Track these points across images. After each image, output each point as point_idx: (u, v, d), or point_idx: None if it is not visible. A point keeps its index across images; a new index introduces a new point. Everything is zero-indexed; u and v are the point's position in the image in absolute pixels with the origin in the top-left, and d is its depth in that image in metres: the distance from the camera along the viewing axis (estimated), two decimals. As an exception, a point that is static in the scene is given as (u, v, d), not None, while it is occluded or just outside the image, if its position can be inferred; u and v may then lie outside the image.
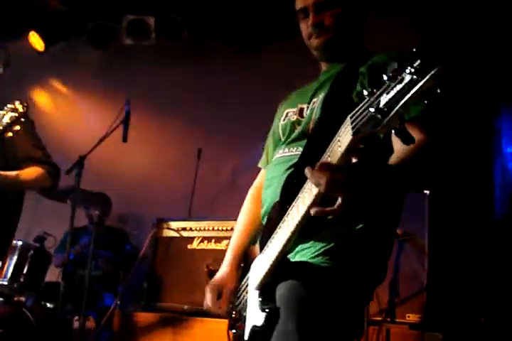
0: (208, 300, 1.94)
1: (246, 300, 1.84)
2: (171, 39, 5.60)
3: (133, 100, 4.39)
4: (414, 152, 1.51)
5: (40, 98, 6.09)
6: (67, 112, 6.03)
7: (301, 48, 2.01)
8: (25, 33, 5.79)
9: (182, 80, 5.66)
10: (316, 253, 1.69)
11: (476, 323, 4.10)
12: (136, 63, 5.90)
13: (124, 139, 4.08)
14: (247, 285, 1.86)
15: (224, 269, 2.00)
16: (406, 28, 4.84)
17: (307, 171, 1.43)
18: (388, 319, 3.68)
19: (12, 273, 4.15)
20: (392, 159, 1.53)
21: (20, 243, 4.21)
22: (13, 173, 2.82)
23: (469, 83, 4.65)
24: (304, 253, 1.70)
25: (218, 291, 1.94)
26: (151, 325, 4.00)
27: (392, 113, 1.15)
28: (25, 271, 4.18)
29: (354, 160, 1.34)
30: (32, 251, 4.22)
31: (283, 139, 1.93)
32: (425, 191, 3.92)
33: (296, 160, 1.76)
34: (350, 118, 1.28)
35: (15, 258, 4.18)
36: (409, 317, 3.72)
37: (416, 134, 1.46)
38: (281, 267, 1.68)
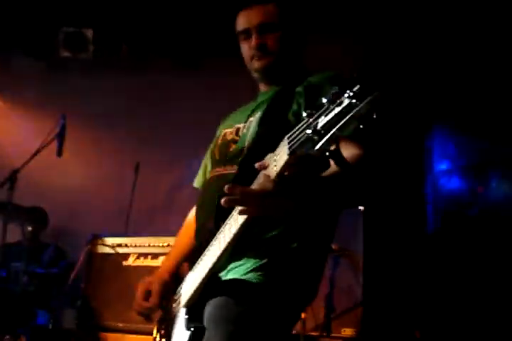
0: (136, 298, 1.90)
1: (175, 317, 1.83)
2: (109, 52, 5.55)
3: (69, 112, 4.32)
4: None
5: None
6: (1, 126, 5.87)
7: (242, 65, 2.02)
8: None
9: (119, 93, 5.61)
10: (248, 270, 1.68)
11: (410, 336, 4.20)
12: (73, 76, 5.81)
13: (59, 153, 4.01)
14: (177, 303, 1.85)
15: (157, 271, 1.99)
16: (347, 46, 4.98)
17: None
18: (324, 334, 3.73)
19: None
20: (326, 172, 1.53)
21: None
22: None
23: (402, 101, 4.81)
24: (236, 271, 1.70)
25: (147, 289, 1.91)
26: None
27: (329, 135, 1.17)
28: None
29: (286, 174, 1.37)
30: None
31: (219, 158, 1.93)
32: (359, 207, 4.01)
33: (231, 177, 1.76)
34: (288, 138, 1.29)
35: None
36: (345, 331, 3.78)
37: (350, 149, 1.50)
38: (210, 285, 1.68)
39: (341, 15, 5.01)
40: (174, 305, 1.87)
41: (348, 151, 1.39)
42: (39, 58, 5.72)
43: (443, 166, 5.05)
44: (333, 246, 3.58)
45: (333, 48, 4.77)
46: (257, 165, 1.42)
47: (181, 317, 1.75)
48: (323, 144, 1.18)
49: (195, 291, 1.70)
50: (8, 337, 4.05)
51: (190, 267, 1.78)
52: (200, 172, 2.11)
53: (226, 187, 1.43)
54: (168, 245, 3.95)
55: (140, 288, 1.93)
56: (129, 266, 4.05)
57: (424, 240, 4.74)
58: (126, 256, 4.10)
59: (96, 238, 4.15)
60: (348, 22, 5.07)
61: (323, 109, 1.18)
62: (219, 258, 1.61)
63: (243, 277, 1.67)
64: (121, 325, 3.83)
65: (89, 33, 5.46)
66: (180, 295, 1.83)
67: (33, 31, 5.58)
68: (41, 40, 5.61)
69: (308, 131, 1.20)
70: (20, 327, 4.11)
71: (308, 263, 1.76)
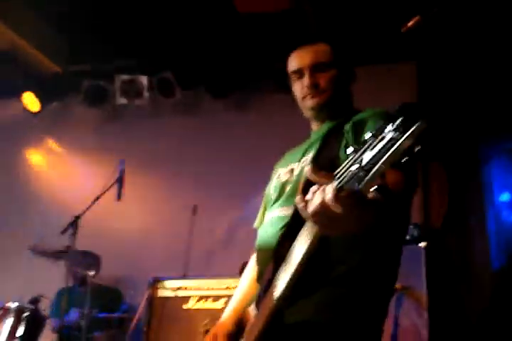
0: None
1: None
2: (164, 96, 5.69)
3: (127, 158, 4.43)
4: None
5: (35, 158, 6.11)
6: (61, 171, 6.03)
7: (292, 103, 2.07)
8: (20, 93, 5.88)
9: (176, 136, 5.72)
10: (313, 309, 1.67)
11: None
12: (129, 121, 5.98)
13: (119, 197, 4.10)
14: None
15: (221, 322, 1.99)
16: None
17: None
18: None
19: (6, 336, 4.07)
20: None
21: (15, 305, 4.15)
22: None
23: (458, 130, 4.75)
24: (300, 310, 1.68)
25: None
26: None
27: (374, 170, 1.16)
28: (19, 334, 4.09)
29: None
30: (27, 313, 4.14)
31: (275, 199, 1.95)
32: (420, 244, 3.93)
33: (287, 220, 1.77)
34: (335, 175, 1.29)
35: (10, 320, 4.10)
36: (411, 372, 3.66)
37: (393, 176, 1.48)
38: (274, 329, 1.66)
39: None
40: None
41: (389, 177, 1.37)
42: (97, 105, 5.91)
43: (504, 197, 4.91)
44: (397, 285, 3.50)
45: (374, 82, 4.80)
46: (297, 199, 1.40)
47: None
48: (369, 179, 1.17)
49: (259, 336, 1.69)
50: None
51: (254, 312, 1.77)
52: (260, 213, 2.12)
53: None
54: (228, 288, 3.95)
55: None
56: (189, 309, 4.05)
57: (489, 276, 4.58)
58: (186, 299, 4.10)
59: (156, 281, 4.17)
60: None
61: (367, 144, 1.18)
62: (281, 299, 1.60)
63: (308, 318, 1.66)
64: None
65: (144, 80, 5.63)
66: None
67: (90, 80, 5.79)
68: (98, 88, 5.80)
69: (355, 167, 1.19)
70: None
71: (376, 301, 1.75)
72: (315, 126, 2.05)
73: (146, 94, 5.67)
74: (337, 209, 1.24)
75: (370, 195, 1.18)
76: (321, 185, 1.29)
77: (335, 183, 1.26)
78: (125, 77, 5.64)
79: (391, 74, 5.23)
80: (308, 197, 1.32)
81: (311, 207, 1.30)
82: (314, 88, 1.94)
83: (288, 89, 2.09)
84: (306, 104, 1.98)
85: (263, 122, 5.44)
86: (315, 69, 1.96)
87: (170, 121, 5.87)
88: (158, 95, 5.72)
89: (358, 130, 1.73)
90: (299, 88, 1.99)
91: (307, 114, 2.02)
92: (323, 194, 1.27)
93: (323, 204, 1.27)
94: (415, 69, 5.21)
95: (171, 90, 5.66)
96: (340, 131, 1.81)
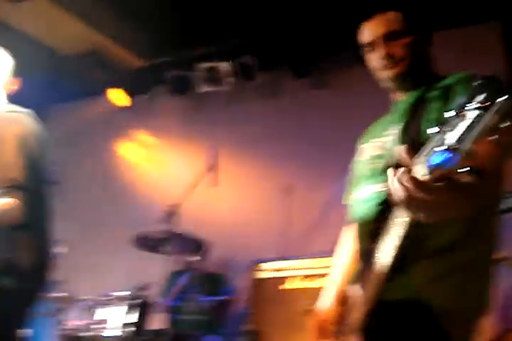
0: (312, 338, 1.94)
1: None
2: (246, 80, 5.72)
3: (217, 144, 4.50)
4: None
5: (128, 151, 6.30)
6: (155, 162, 6.19)
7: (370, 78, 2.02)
8: (107, 90, 6.08)
9: (262, 119, 5.76)
10: (418, 286, 1.66)
11: None
12: (214, 108, 6.06)
13: (214, 184, 4.17)
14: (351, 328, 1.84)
15: (324, 305, 1.99)
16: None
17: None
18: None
19: (121, 323, 4.26)
20: None
21: (124, 293, 4.33)
22: None
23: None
24: (404, 288, 1.66)
25: (321, 327, 1.94)
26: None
27: (462, 150, 1.11)
28: (131, 320, 4.27)
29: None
30: (136, 301, 4.32)
31: (365, 175, 1.93)
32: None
33: (382, 196, 1.74)
34: (421, 157, 1.24)
35: (120, 307, 4.29)
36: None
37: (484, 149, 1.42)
38: (381, 306, 1.65)
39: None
40: (348, 330, 1.87)
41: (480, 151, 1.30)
42: (182, 95, 6.02)
43: None
44: (504, 254, 3.39)
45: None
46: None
47: None
48: (457, 162, 1.11)
49: (365, 315, 1.69)
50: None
51: (358, 289, 1.76)
52: (349, 189, 2.10)
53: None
54: (326, 266, 3.95)
55: (314, 327, 1.96)
56: (289, 290, 4.09)
57: None
58: (286, 279, 4.15)
59: (256, 264, 4.23)
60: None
61: (453, 123, 1.13)
62: (386, 275, 1.59)
63: (415, 293, 1.65)
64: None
65: (225, 66, 5.68)
66: (353, 321, 1.83)
67: (173, 70, 5.90)
68: (181, 78, 5.91)
69: (441, 148, 1.14)
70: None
71: (481, 273, 1.71)
72: (397, 97, 1.99)
73: (228, 79, 5.72)
74: (428, 195, 1.20)
75: (461, 178, 1.13)
76: (408, 168, 1.25)
77: (422, 166, 1.21)
78: (206, 64, 5.72)
79: (474, 37, 5.01)
80: (395, 181, 1.27)
81: (400, 192, 1.26)
82: (390, 58, 1.88)
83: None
84: (384, 76, 1.92)
85: (347, 97, 5.37)
86: (388, 38, 1.90)
87: (254, 104, 5.90)
88: (240, 80, 5.75)
89: (445, 98, 1.68)
90: (374, 59, 1.94)
91: (387, 85, 1.97)
92: (408, 180, 1.22)
93: (412, 191, 1.22)
94: (501, 30, 4.98)
95: (252, 74, 5.68)
96: (425, 99, 1.76)
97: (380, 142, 1.91)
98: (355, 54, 2.13)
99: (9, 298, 2.20)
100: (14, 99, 2.50)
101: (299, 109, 5.68)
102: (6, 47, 2.57)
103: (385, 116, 2.03)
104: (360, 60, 2.05)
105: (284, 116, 5.71)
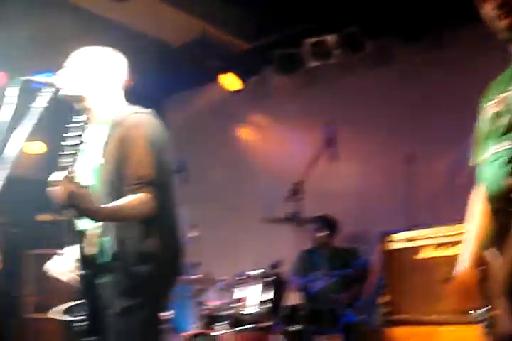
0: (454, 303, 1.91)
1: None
2: (354, 51, 5.61)
3: (333, 118, 4.46)
4: None
5: (247, 133, 6.41)
6: (274, 142, 6.26)
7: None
8: (219, 76, 6.19)
9: (376, 88, 5.65)
10: None
11: None
12: (325, 82, 6.00)
13: (333, 158, 4.16)
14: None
15: (463, 270, 1.95)
16: None
17: None
18: None
19: (258, 301, 4.37)
20: None
21: (259, 271, 4.45)
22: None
23: None
24: None
25: (463, 292, 1.91)
26: (398, 338, 3.98)
27: None
28: (267, 298, 4.37)
29: None
30: (270, 278, 4.41)
31: (489, 134, 1.86)
32: None
33: (506, 155, 1.69)
34: None
35: (256, 286, 4.40)
36: None
37: None
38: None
39: None
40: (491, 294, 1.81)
41: None
42: (290, 73, 6.01)
43: None
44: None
45: None
46: None
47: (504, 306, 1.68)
48: None
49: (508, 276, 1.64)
50: (324, 336, 4.29)
51: (495, 251, 1.71)
52: (474, 149, 2.02)
53: None
54: (459, 234, 3.84)
55: (455, 293, 1.93)
56: (422, 259, 4.03)
57: None
58: (417, 249, 4.09)
59: (385, 235, 4.19)
60: None
61: None
62: None
63: None
64: (430, 317, 3.82)
65: (331, 39, 5.60)
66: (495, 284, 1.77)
67: (280, 49, 5.91)
68: (289, 56, 5.90)
69: None
70: (333, 328, 4.32)
71: None
72: None
73: (335, 52, 5.63)
74: None
75: None
76: None
77: None
78: (312, 39, 5.66)
79: None
80: None
81: None
82: (505, 7, 1.79)
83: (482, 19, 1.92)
84: (499, 26, 1.82)
85: (465, 56, 5.12)
86: None
87: (367, 75, 5.78)
88: (348, 51, 5.64)
89: None
90: (488, 10, 1.84)
91: (503, 36, 1.86)
92: None
93: None
94: None
95: (359, 44, 5.55)
96: None
97: (499, 99, 1.84)
98: (468, 11, 2.03)
99: (149, 285, 2.33)
100: (132, 94, 2.62)
101: (413, 74, 5.49)
102: (118, 45, 2.68)
103: (505, 71, 1.93)
104: (474, 18, 1.96)
105: (397, 84, 5.56)
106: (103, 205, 2.19)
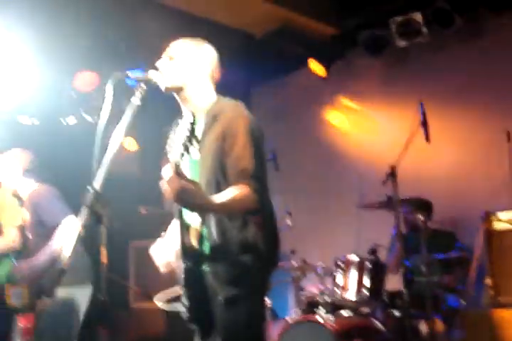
0: None
1: None
2: (443, 27, 5.40)
3: (424, 98, 4.33)
4: None
5: (336, 118, 6.33)
6: (364, 126, 6.16)
7: None
8: (306, 61, 6.15)
9: (467, 65, 5.45)
10: None
11: None
12: (414, 61, 5.84)
13: (427, 140, 4.06)
14: None
15: None
16: None
17: None
18: None
19: (355, 287, 4.35)
20: None
21: (355, 257, 4.42)
22: None
23: None
24: None
25: None
26: (503, 321, 3.85)
27: None
28: (366, 283, 4.34)
29: None
30: (368, 264, 4.37)
31: None
32: None
33: None
34: None
35: (354, 272, 4.37)
36: None
37: None
38: None
39: None
40: None
41: None
42: (378, 54, 5.88)
43: None
44: None
45: None
46: None
47: None
48: None
49: None
50: (425, 321, 4.22)
51: None
52: None
53: None
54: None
55: None
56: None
57: None
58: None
59: (488, 215, 4.04)
60: None
61: None
62: None
63: None
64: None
65: (419, 16, 5.43)
66: None
67: (366, 30, 5.80)
68: (375, 37, 5.77)
69: None
70: (435, 312, 4.24)
71: None
72: None
73: (424, 30, 5.45)
74: None
75: None
76: None
77: None
78: (398, 18, 5.50)
79: None
80: None
81: None
82: None
83: None
84: None
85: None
86: None
87: (456, 51, 5.58)
88: (436, 28, 5.44)
89: None
90: None
91: None
92: None
93: None
94: None
95: (449, 19, 5.34)
96: None
97: None
98: None
99: (253, 274, 2.37)
100: (221, 87, 2.65)
101: (506, 47, 5.24)
102: (206, 39, 2.72)
103: None
104: None
105: (491, 59, 5.33)
106: (211, 199, 2.24)
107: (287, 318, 4.37)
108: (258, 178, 2.35)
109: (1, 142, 4.51)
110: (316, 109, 6.42)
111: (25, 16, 4.82)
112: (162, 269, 2.60)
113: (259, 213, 2.37)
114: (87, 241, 2.29)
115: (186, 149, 2.14)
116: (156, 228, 3.04)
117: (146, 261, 2.83)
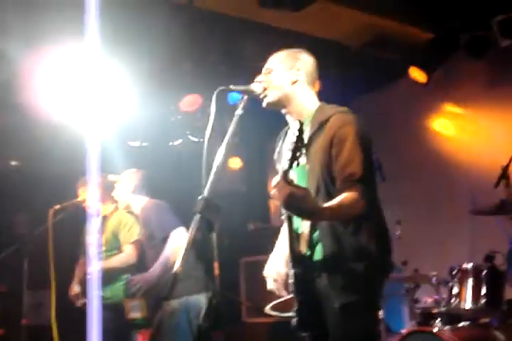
0: None
1: None
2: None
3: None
4: None
5: (440, 126, 6.18)
6: (470, 131, 5.96)
7: None
8: (406, 69, 6.05)
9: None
10: None
11: None
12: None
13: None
14: None
15: None
16: None
17: None
18: None
19: (471, 296, 4.19)
20: None
21: (471, 265, 4.26)
22: None
23: None
24: None
25: None
26: None
27: None
28: (483, 292, 4.17)
29: None
30: (484, 271, 4.21)
31: None
32: None
33: None
34: None
35: (470, 281, 4.22)
36: None
37: None
38: None
39: None
40: None
41: None
42: (480, 56, 5.69)
43: None
44: None
45: None
46: None
47: None
48: None
49: None
50: None
51: None
52: None
53: None
54: None
55: None
56: None
57: None
58: None
59: None
60: None
61: None
62: None
63: None
64: None
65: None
66: None
67: (466, 33, 5.63)
68: (476, 38, 5.59)
69: None
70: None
71: None
72: None
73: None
74: None
75: None
76: None
77: None
78: (500, 17, 5.31)
79: None
80: None
81: None
82: None
83: None
84: None
85: None
86: None
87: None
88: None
89: None
90: None
91: None
92: None
93: None
94: None
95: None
96: None
97: None
98: None
99: (367, 281, 2.35)
100: (320, 100, 2.66)
101: None
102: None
103: None
104: None
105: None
106: (323, 205, 2.25)
107: (401, 330, 4.27)
108: (367, 183, 2.33)
109: (117, 164, 4.79)
110: (419, 117, 6.30)
111: (131, 46, 5.07)
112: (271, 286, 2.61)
113: (369, 219, 2.35)
114: (200, 248, 2.35)
115: (294, 156, 2.16)
116: (264, 243, 3.08)
117: (257, 276, 2.86)
